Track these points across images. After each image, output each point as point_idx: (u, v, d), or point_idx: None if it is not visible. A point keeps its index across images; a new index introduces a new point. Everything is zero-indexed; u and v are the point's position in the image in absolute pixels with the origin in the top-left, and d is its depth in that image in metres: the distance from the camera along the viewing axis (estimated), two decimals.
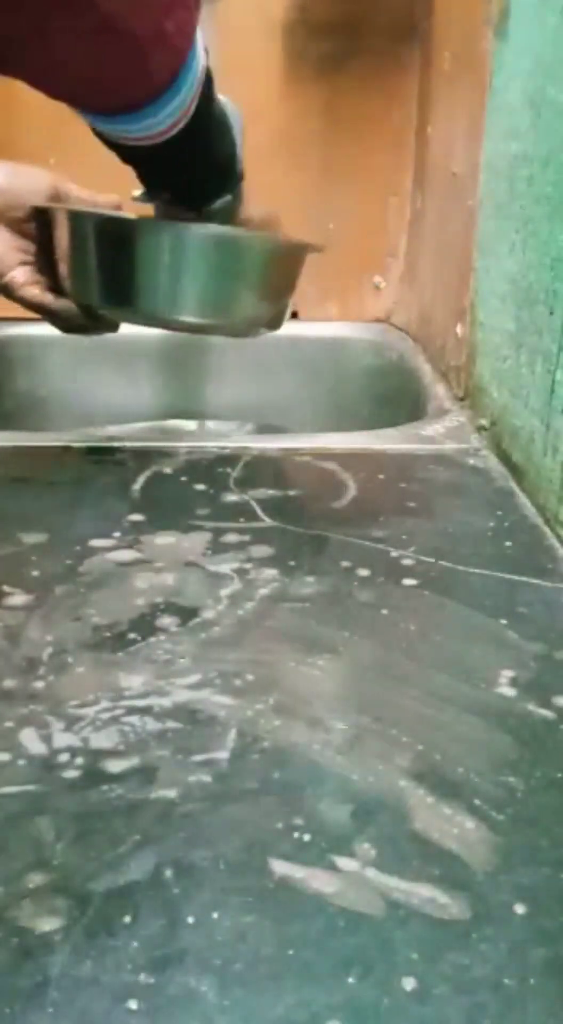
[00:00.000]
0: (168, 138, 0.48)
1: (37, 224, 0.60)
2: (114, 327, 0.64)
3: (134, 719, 0.34)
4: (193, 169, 0.53)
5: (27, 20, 0.37)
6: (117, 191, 0.62)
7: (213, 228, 0.57)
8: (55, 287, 0.60)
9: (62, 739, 0.32)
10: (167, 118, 0.46)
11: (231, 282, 0.56)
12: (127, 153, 0.50)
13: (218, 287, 0.56)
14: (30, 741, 0.32)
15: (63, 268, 0.58)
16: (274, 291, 0.59)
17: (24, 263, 0.60)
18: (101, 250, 0.56)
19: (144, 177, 0.56)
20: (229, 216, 0.58)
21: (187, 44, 0.44)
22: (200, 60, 0.47)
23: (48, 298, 0.60)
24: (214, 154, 0.53)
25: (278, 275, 0.59)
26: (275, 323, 0.61)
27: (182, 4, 0.41)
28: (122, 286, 0.56)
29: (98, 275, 0.56)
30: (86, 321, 0.62)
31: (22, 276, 0.60)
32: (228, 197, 0.57)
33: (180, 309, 0.56)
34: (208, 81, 0.49)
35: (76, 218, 0.57)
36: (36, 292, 0.60)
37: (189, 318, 0.56)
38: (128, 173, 0.55)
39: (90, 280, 0.57)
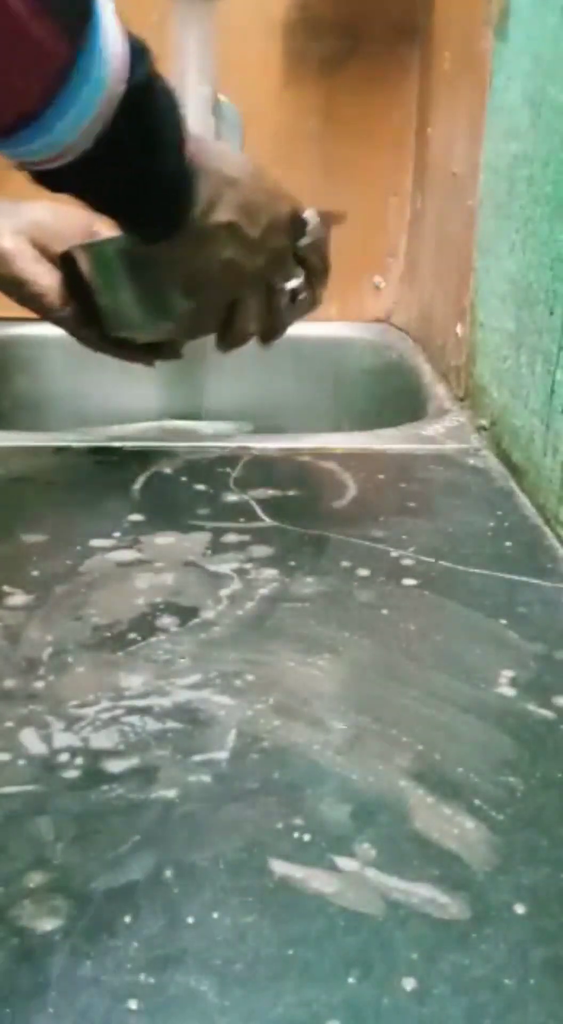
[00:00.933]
0: (74, 160, 0.42)
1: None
2: (176, 352, 0.62)
3: (134, 719, 0.34)
4: (115, 195, 0.46)
5: None
6: None
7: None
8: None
9: (62, 739, 0.32)
10: (64, 135, 0.40)
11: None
12: (46, 181, 0.44)
13: None
14: (30, 741, 0.32)
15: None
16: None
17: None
18: (124, 277, 0.55)
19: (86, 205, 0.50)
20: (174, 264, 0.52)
21: (57, 47, 0.38)
22: (109, 69, 0.40)
23: (105, 338, 0.59)
24: (137, 178, 0.46)
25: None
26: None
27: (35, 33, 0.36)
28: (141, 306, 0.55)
29: (127, 303, 0.55)
30: (143, 351, 0.61)
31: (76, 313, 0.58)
32: (173, 240, 0.50)
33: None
34: (139, 95, 0.42)
35: (89, 250, 0.56)
36: (92, 333, 0.59)
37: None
38: None
39: (122, 311, 0.56)
